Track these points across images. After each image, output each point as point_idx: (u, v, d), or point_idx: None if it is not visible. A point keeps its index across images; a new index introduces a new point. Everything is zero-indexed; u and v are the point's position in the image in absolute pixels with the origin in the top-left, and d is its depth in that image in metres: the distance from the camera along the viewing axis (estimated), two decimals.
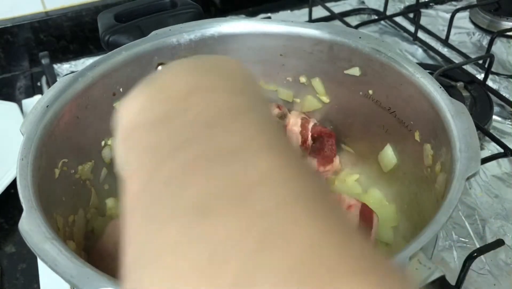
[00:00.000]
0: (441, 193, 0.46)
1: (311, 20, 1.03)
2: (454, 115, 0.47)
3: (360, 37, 0.57)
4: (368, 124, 0.62)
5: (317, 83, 0.63)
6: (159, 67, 0.59)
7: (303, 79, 0.63)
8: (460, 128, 0.46)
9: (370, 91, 0.59)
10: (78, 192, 0.54)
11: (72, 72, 0.67)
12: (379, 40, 0.57)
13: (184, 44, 0.60)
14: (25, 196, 0.41)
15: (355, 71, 0.59)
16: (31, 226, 0.38)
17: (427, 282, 0.34)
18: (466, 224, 0.63)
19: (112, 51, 0.57)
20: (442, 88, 0.50)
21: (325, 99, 0.64)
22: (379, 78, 0.57)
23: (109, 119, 0.57)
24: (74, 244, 0.48)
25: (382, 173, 0.61)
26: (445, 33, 0.98)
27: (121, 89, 0.57)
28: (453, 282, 0.54)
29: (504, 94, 0.83)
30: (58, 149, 0.50)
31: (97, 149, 0.57)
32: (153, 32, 0.59)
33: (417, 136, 0.54)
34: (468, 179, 0.41)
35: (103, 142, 0.58)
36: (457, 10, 0.97)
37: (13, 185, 0.66)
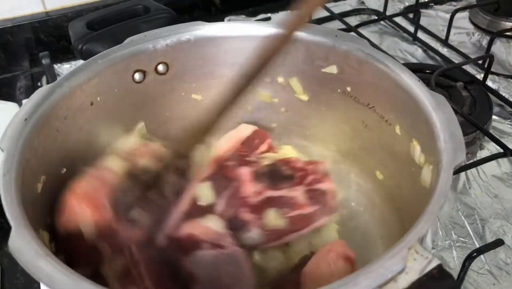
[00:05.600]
0: (427, 184, 0.47)
1: (311, 21, 1.03)
2: (435, 107, 0.47)
3: (336, 36, 0.58)
4: (347, 121, 0.62)
5: (294, 82, 0.63)
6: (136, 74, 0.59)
7: (280, 79, 0.64)
8: (442, 119, 0.46)
9: (348, 88, 0.59)
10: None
11: None
12: (355, 37, 0.58)
13: (161, 50, 0.59)
14: (11, 212, 0.40)
15: (333, 69, 0.59)
16: (22, 243, 0.37)
17: (426, 271, 0.35)
18: (466, 223, 0.63)
19: (88, 60, 0.56)
20: (421, 81, 0.51)
21: (304, 97, 0.64)
22: (356, 75, 0.57)
23: (89, 129, 0.57)
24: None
25: (364, 168, 0.62)
26: (444, 33, 0.98)
27: (98, 98, 0.56)
28: None
29: (503, 94, 0.83)
30: (40, 162, 0.49)
31: (78, 160, 0.56)
32: (129, 39, 0.59)
33: (397, 130, 0.54)
34: (456, 171, 0.41)
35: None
36: (457, 10, 0.97)
37: None
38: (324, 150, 0.66)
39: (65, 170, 0.53)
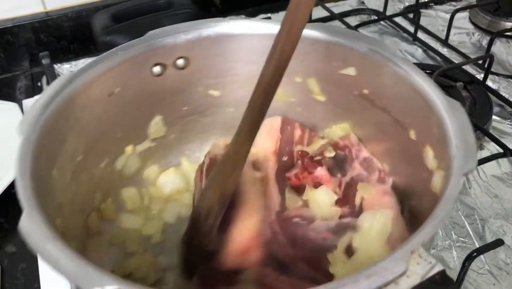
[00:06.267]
0: (437, 190, 0.47)
1: (311, 21, 1.03)
2: (450, 113, 0.47)
3: (355, 37, 0.58)
4: (363, 124, 0.62)
5: (312, 83, 0.63)
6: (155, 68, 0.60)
7: (298, 79, 0.63)
8: (456, 125, 0.46)
9: (365, 91, 0.59)
10: (77, 193, 0.54)
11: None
12: (374, 39, 0.58)
13: (180, 44, 0.59)
14: (24, 196, 0.41)
15: (350, 71, 0.59)
16: (32, 226, 0.38)
17: (428, 276, 0.35)
18: (466, 223, 0.63)
19: (109, 51, 0.56)
20: (437, 86, 0.51)
21: (321, 98, 0.64)
22: (374, 77, 0.57)
23: (106, 119, 0.58)
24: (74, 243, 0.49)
25: None
26: (444, 33, 0.98)
27: (117, 90, 0.57)
28: None
29: (503, 94, 0.83)
30: (57, 149, 0.50)
31: (95, 148, 0.57)
32: (149, 32, 0.59)
33: (412, 135, 0.54)
34: (465, 175, 0.41)
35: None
36: (457, 11, 0.97)
37: (13, 184, 0.66)
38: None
39: (81, 157, 0.54)
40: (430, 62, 0.94)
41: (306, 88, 0.64)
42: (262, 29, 0.61)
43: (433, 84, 0.51)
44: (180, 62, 0.61)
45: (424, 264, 0.35)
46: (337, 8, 1.10)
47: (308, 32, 0.60)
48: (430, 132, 0.50)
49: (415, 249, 0.35)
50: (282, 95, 0.66)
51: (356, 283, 0.33)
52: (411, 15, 1.07)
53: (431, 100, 0.50)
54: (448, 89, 0.83)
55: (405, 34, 1.02)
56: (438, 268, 0.35)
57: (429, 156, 0.50)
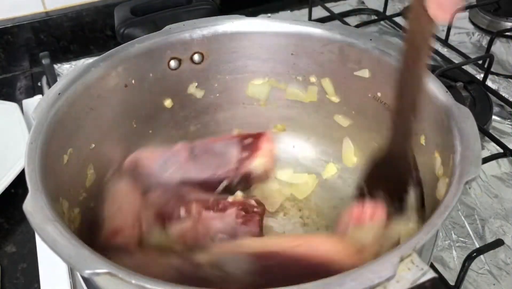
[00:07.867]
0: (440, 197, 0.46)
1: (309, 20, 1.03)
2: (459, 120, 0.47)
3: (370, 39, 0.57)
4: (376, 126, 0.62)
5: (327, 83, 0.63)
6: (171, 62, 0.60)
7: (313, 79, 0.64)
8: (463, 133, 0.46)
9: (379, 94, 0.58)
10: (86, 178, 0.55)
11: None
12: (389, 42, 0.58)
13: (197, 40, 0.61)
14: (31, 178, 0.42)
15: (365, 73, 0.59)
16: (35, 207, 0.39)
17: (418, 282, 0.34)
18: (466, 223, 0.63)
19: (126, 43, 0.58)
20: (448, 92, 0.50)
21: (335, 99, 0.64)
22: (387, 80, 0.56)
23: (121, 110, 0.58)
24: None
25: None
26: (444, 33, 0.98)
27: (133, 81, 0.58)
28: (452, 281, 0.54)
29: (503, 95, 0.83)
30: (69, 136, 0.51)
31: (109, 138, 0.58)
32: (167, 27, 0.60)
33: (422, 140, 0.53)
34: (467, 183, 0.41)
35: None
36: (457, 10, 0.97)
37: (13, 184, 0.66)
38: (351, 155, 0.66)
39: (94, 145, 0.55)
40: (430, 62, 0.94)
41: (320, 88, 0.64)
42: (279, 27, 0.62)
43: (445, 90, 0.50)
44: (196, 57, 0.62)
45: (416, 270, 0.35)
46: (337, 8, 1.09)
47: (323, 32, 0.60)
48: (438, 139, 0.50)
49: (405, 254, 0.35)
50: (297, 95, 0.66)
51: (341, 284, 0.33)
52: None
53: (441, 107, 0.49)
54: (448, 90, 0.82)
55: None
56: (430, 275, 0.35)
57: (437, 163, 0.50)
